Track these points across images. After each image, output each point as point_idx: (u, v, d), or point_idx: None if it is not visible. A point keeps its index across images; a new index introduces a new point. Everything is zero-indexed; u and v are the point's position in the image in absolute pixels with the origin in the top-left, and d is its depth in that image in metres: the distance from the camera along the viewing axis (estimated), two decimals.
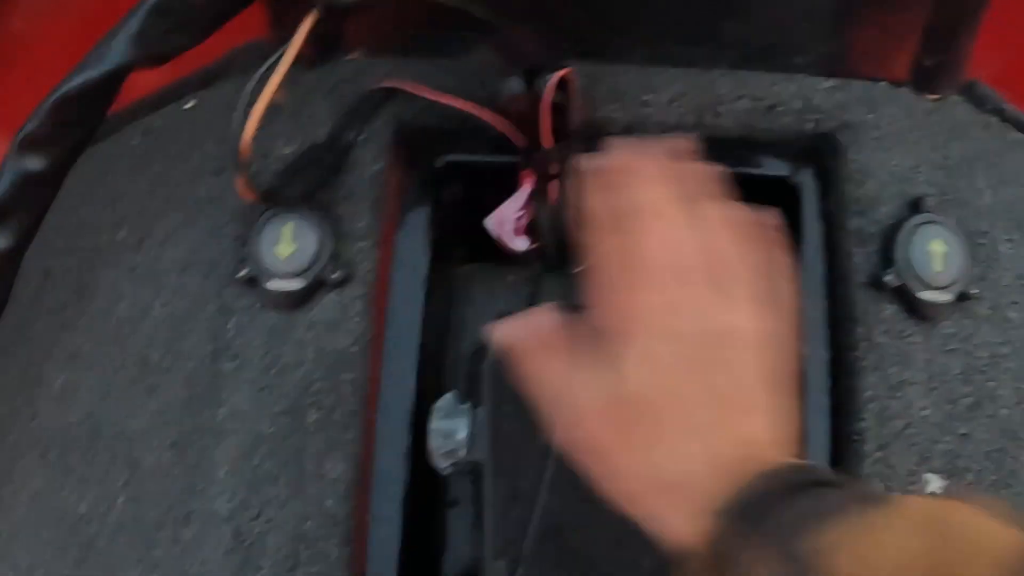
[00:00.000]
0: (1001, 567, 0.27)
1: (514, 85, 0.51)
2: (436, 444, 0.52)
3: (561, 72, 0.52)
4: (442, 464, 0.52)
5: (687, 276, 0.36)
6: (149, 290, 0.57)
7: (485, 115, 0.55)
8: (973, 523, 0.30)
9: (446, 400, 0.53)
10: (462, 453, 0.52)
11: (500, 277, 0.67)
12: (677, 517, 0.35)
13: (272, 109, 0.58)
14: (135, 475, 0.55)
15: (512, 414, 0.52)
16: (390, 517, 0.55)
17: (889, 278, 0.55)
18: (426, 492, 0.58)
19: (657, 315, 0.36)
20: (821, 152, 0.59)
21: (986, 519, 0.30)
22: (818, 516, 0.31)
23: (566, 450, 0.39)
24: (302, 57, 0.58)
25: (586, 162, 0.39)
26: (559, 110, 0.54)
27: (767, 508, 0.32)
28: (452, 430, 0.52)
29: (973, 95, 0.61)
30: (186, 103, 0.59)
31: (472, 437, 0.52)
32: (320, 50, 0.58)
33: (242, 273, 0.55)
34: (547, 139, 0.53)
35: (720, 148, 0.59)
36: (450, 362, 0.62)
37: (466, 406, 0.53)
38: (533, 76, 0.52)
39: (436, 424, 0.52)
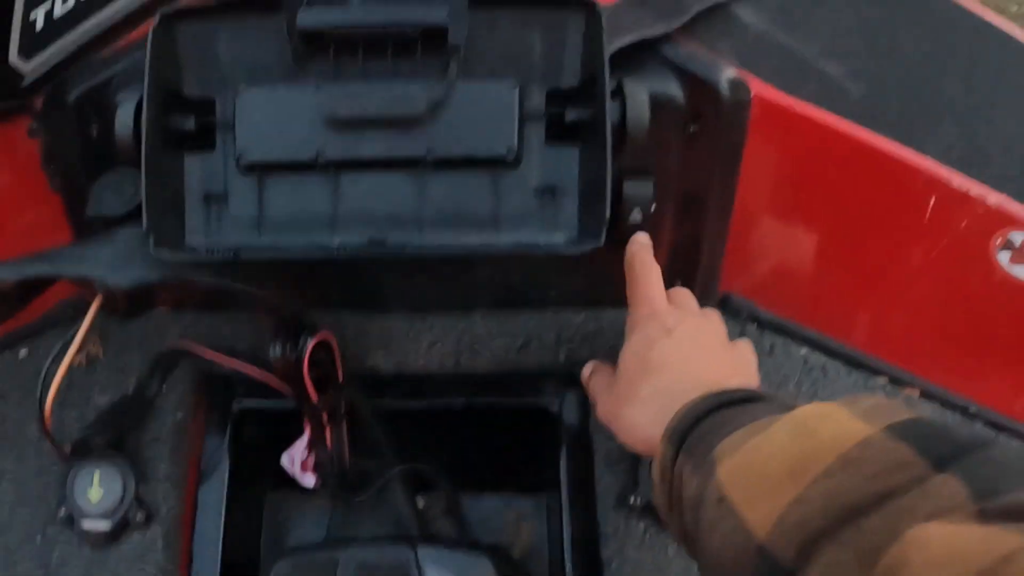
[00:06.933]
0: (842, 457, 0.33)
1: (276, 350, 0.58)
2: None
3: (317, 337, 0.59)
4: None
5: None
6: None
7: (257, 374, 0.62)
8: (834, 419, 0.36)
9: None
10: None
11: (308, 500, 0.75)
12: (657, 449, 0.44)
13: (91, 359, 0.66)
14: None
15: None
16: None
17: (634, 499, 0.61)
18: None
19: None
20: (575, 380, 0.65)
21: (846, 416, 0.36)
22: (724, 428, 0.39)
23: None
24: (118, 311, 0.66)
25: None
26: (323, 366, 0.61)
27: (692, 426, 0.41)
28: None
29: (728, 307, 0.66)
30: (19, 352, 0.67)
31: None
32: (132, 306, 0.65)
33: (61, 514, 0.62)
34: (312, 394, 0.60)
35: (480, 383, 0.66)
36: None
37: None
38: (295, 340, 0.58)
39: None
